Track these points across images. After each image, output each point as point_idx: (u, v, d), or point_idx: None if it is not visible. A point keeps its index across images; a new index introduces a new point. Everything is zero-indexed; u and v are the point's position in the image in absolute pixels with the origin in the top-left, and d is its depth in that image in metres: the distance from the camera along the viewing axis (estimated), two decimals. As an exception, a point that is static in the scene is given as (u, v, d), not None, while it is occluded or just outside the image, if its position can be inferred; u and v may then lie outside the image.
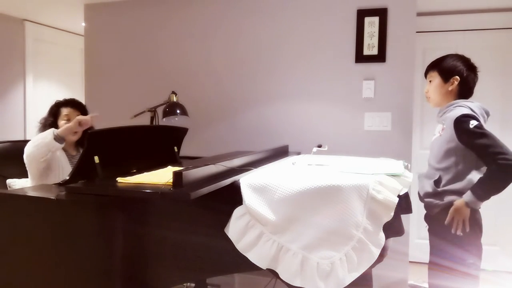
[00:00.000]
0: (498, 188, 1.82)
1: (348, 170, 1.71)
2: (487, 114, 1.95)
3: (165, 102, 2.80)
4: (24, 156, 2.13)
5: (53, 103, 2.39)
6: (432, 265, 1.95)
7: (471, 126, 1.79)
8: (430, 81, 2.02)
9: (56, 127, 2.28)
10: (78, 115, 2.36)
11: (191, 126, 2.73)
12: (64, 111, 2.33)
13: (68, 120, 2.31)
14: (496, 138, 1.80)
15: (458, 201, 1.85)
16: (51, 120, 2.31)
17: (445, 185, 1.89)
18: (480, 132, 1.79)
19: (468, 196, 1.82)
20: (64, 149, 2.31)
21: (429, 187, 1.94)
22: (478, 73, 1.99)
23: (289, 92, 2.94)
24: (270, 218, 1.48)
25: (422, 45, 3.44)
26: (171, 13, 3.21)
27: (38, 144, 2.09)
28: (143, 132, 2.28)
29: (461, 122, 1.82)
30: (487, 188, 1.82)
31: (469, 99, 1.98)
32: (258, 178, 1.54)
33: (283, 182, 1.51)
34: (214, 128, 3.13)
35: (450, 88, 1.96)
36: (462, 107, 1.88)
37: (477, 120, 1.82)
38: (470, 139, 1.82)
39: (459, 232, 1.84)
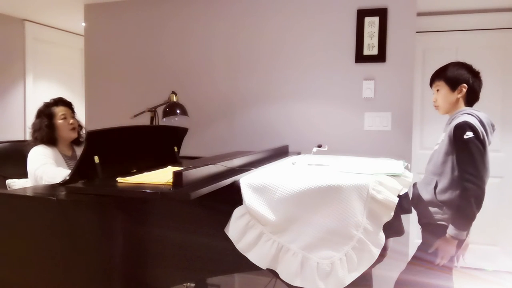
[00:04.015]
0: (469, 215, 1.79)
1: (348, 170, 1.71)
2: (493, 126, 1.94)
3: (165, 102, 2.79)
4: (32, 174, 2.14)
5: (41, 105, 2.34)
6: (415, 260, 1.96)
7: (464, 136, 1.78)
8: (437, 90, 2.02)
9: (53, 127, 2.28)
10: (71, 113, 2.37)
11: (191, 126, 2.73)
12: (58, 110, 2.31)
13: (65, 119, 2.31)
14: (478, 160, 1.77)
15: (443, 240, 1.84)
16: (46, 122, 2.26)
17: (441, 191, 1.88)
18: (468, 146, 1.78)
19: (451, 229, 1.81)
20: (60, 150, 2.31)
21: (427, 194, 1.93)
22: (481, 77, 1.99)
23: (289, 92, 2.94)
24: (270, 218, 1.48)
25: (422, 45, 3.44)
26: (171, 13, 3.21)
27: (51, 180, 2.07)
28: (143, 132, 2.28)
29: (460, 129, 1.81)
30: (463, 216, 1.80)
31: (475, 107, 1.98)
32: (258, 178, 1.54)
33: (283, 182, 1.51)
34: (214, 128, 3.13)
35: (458, 96, 1.96)
36: (469, 115, 1.86)
37: (476, 132, 1.79)
38: (457, 147, 1.82)
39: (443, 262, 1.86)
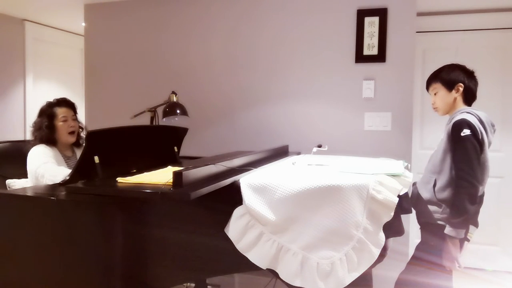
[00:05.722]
0: (462, 212, 1.77)
1: (348, 170, 1.71)
2: (493, 126, 1.94)
3: (165, 102, 2.79)
4: (33, 172, 2.13)
5: (44, 104, 2.33)
6: (414, 260, 1.96)
7: (461, 134, 1.79)
8: (435, 93, 2.03)
9: (53, 128, 2.27)
10: (73, 115, 2.35)
11: (191, 126, 2.73)
12: (60, 111, 2.30)
13: (66, 121, 2.30)
14: (473, 158, 1.77)
15: (446, 243, 1.83)
16: (46, 122, 2.25)
17: (440, 190, 1.88)
18: (465, 144, 1.78)
19: (448, 230, 1.81)
20: (60, 150, 2.31)
21: (427, 193, 1.93)
22: (476, 76, 2.00)
23: (289, 92, 2.94)
24: (270, 218, 1.48)
25: (422, 45, 3.44)
26: (171, 13, 3.21)
27: (53, 178, 2.06)
28: (143, 132, 2.28)
29: (457, 126, 1.82)
30: (457, 214, 1.79)
31: (474, 106, 1.99)
32: (258, 178, 1.54)
33: (283, 182, 1.51)
34: (214, 128, 3.13)
35: (456, 95, 1.97)
36: (468, 114, 1.87)
37: (474, 130, 1.79)
38: (454, 144, 1.82)
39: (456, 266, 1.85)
